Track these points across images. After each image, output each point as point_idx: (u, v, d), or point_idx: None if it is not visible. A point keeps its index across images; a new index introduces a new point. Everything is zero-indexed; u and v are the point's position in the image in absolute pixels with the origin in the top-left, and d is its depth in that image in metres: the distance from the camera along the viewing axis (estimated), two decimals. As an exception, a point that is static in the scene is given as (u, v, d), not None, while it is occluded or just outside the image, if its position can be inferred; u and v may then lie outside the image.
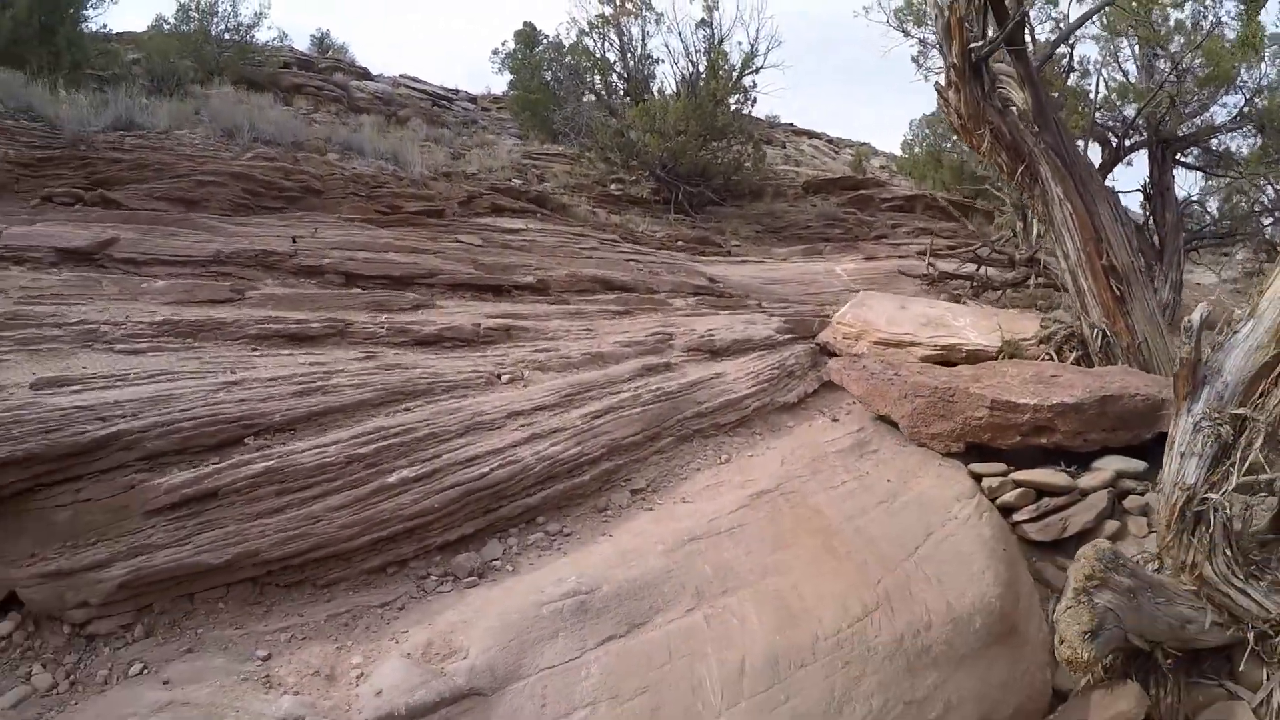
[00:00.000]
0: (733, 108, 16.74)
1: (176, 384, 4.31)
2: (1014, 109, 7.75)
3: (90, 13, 14.28)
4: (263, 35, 18.60)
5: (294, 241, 7.55)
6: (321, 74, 19.61)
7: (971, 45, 7.17)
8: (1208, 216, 13.82)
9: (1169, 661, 4.55)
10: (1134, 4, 10.32)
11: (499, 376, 5.53)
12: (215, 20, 17.28)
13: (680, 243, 13.03)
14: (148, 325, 5.12)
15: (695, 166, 15.58)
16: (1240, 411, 4.38)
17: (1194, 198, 13.60)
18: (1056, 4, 11.62)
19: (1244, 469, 4.35)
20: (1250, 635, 4.50)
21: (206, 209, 8.19)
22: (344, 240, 7.95)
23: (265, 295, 6.23)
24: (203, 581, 3.69)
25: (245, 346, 5.26)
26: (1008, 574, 4.78)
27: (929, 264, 11.47)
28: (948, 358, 7.59)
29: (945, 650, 4.14)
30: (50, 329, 4.80)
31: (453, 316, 6.70)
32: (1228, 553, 4.47)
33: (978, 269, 11.39)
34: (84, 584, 3.43)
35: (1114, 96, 12.45)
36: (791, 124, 28.83)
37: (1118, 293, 7.47)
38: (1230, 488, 4.31)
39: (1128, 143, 12.35)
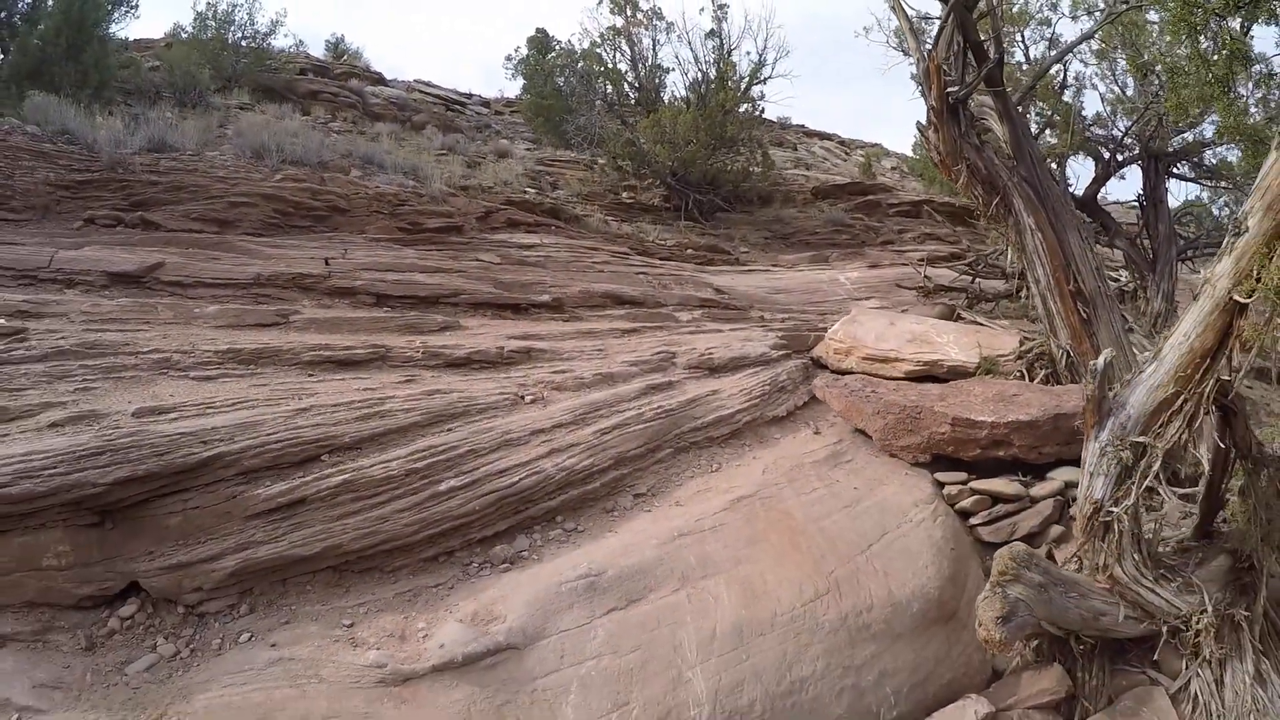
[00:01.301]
0: (742, 117, 17.90)
1: (256, 411, 5.58)
2: (994, 140, 9.04)
3: (114, 27, 15.56)
4: (279, 42, 19.84)
5: (327, 264, 8.89)
6: (337, 80, 20.95)
7: (949, 89, 8.43)
8: (1201, 225, 14.87)
9: (1081, 647, 5.83)
10: (1119, 34, 11.44)
11: (522, 397, 6.87)
12: (232, 28, 18.48)
13: (690, 250, 14.32)
14: (213, 354, 6.41)
15: (705, 175, 16.81)
16: (1141, 439, 5.56)
17: (1187, 209, 14.72)
18: (1051, 24, 12.81)
19: (1143, 487, 5.55)
20: (1164, 629, 5.73)
21: (240, 229, 9.51)
22: (372, 261, 9.25)
23: (307, 319, 7.61)
24: (295, 569, 5.03)
25: (302, 373, 6.58)
26: (951, 569, 6.15)
27: (925, 277, 12.74)
28: (930, 372, 8.88)
29: (884, 628, 5.52)
30: (127, 357, 6.06)
31: (478, 338, 8.05)
32: (1136, 557, 5.68)
33: (972, 281, 12.64)
34: (199, 573, 4.71)
35: (1106, 112, 13.58)
36: (803, 126, 30.08)
37: (1084, 315, 8.74)
38: (1130, 502, 5.50)
39: (1120, 157, 13.52)
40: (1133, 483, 5.52)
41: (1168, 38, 7.97)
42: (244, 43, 18.69)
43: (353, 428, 5.69)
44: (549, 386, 7.20)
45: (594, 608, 5.01)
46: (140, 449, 4.79)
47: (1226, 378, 5.51)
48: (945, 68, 8.51)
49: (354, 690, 4.23)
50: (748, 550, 5.72)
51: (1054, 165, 13.10)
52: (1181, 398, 5.49)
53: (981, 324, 11.13)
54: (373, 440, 5.73)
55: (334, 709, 4.10)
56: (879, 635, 5.48)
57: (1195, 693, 5.66)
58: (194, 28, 18.37)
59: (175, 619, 4.70)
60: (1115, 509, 5.50)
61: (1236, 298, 5.07)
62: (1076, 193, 13.97)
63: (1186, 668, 5.77)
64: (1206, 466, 6.28)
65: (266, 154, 12.01)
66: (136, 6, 16.10)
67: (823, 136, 30.33)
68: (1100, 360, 5.68)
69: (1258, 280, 4.89)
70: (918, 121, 8.85)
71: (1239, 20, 7.00)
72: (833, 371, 9.21)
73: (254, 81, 18.10)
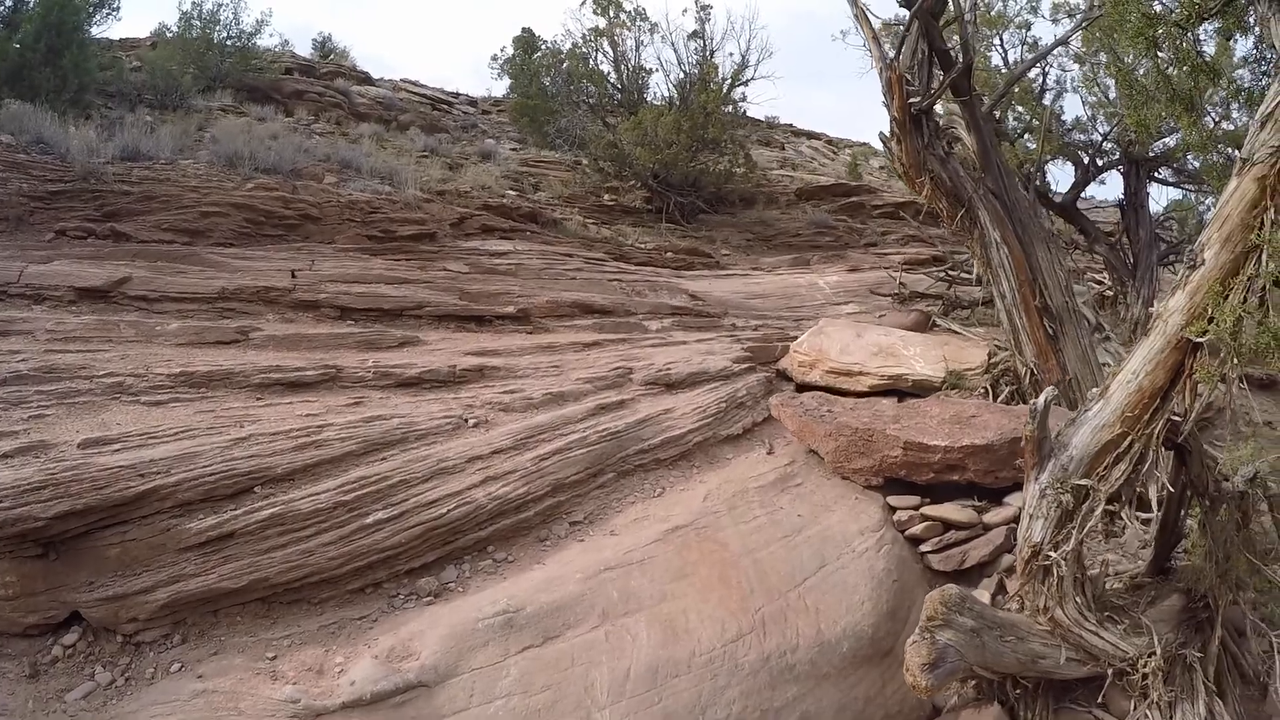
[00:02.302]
0: (725, 118, 17.75)
1: (196, 441, 5.56)
2: (960, 151, 8.87)
3: (94, 30, 15.46)
4: (264, 41, 19.69)
5: (293, 276, 8.84)
6: (323, 79, 20.85)
7: (911, 99, 8.26)
8: (1184, 228, 14.71)
9: (1018, 691, 5.66)
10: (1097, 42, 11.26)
11: (466, 420, 6.78)
12: (217, 28, 18.34)
13: (669, 254, 14.23)
14: (166, 377, 6.42)
15: (686, 177, 16.73)
16: (1083, 482, 5.33)
17: (1171, 213, 14.56)
18: (1029, 28, 12.63)
19: (1084, 533, 5.34)
20: (1109, 671, 5.51)
21: (210, 239, 9.46)
22: (339, 273, 9.20)
23: (267, 336, 7.61)
24: (225, 601, 5.07)
25: (250, 396, 6.56)
26: (891, 604, 6.02)
27: (900, 284, 12.60)
28: (895, 386, 8.77)
29: (809, 669, 5.40)
30: (82, 382, 6.09)
31: (433, 356, 7.98)
32: (1079, 600, 5.48)
33: (949, 287, 12.49)
34: (135, 604, 4.80)
35: (1086, 116, 13.41)
36: (791, 125, 29.96)
37: (1050, 332, 8.59)
38: (1069, 547, 5.27)
39: (1100, 162, 13.35)
40: (1073, 527, 5.31)
41: (1129, 52, 7.79)
42: (229, 42, 18.59)
43: (287, 458, 5.67)
44: (496, 408, 7.12)
45: (509, 645, 4.94)
46: (80, 483, 4.87)
47: (1178, 418, 5.30)
48: (909, 76, 8.35)
49: (269, 724, 4.25)
50: (673, 585, 5.61)
51: (1033, 170, 12.92)
52: (1129, 439, 5.25)
53: (956, 332, 11.01)
54: (306, 471, 5.70)
55: (244, 744, 4.10)
56: (802, 676, 5.36)
57: None
58: (179, 27, 18.27)
59: (114, 648, 4.84)
60: (1054, 554, 5.32)
61: (1189, 337, 4.87)
62: (1057, 197, 13.84)
63: (1134, 709, 5.56)
64: (1156, 506, 6.10)
65: (240, 162, 11.92)
66: (118, 8, 16.05)
67: (811, 136, 30.19)
68: (1040, 400, 5.43)
69: (1210, 320, 4.68)
70: (880, 132, 8.72)
71: (1215, 33, 6.83)
72: (797, 385, 9.11)
73: (239, 82, 18.04)
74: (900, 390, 8.75)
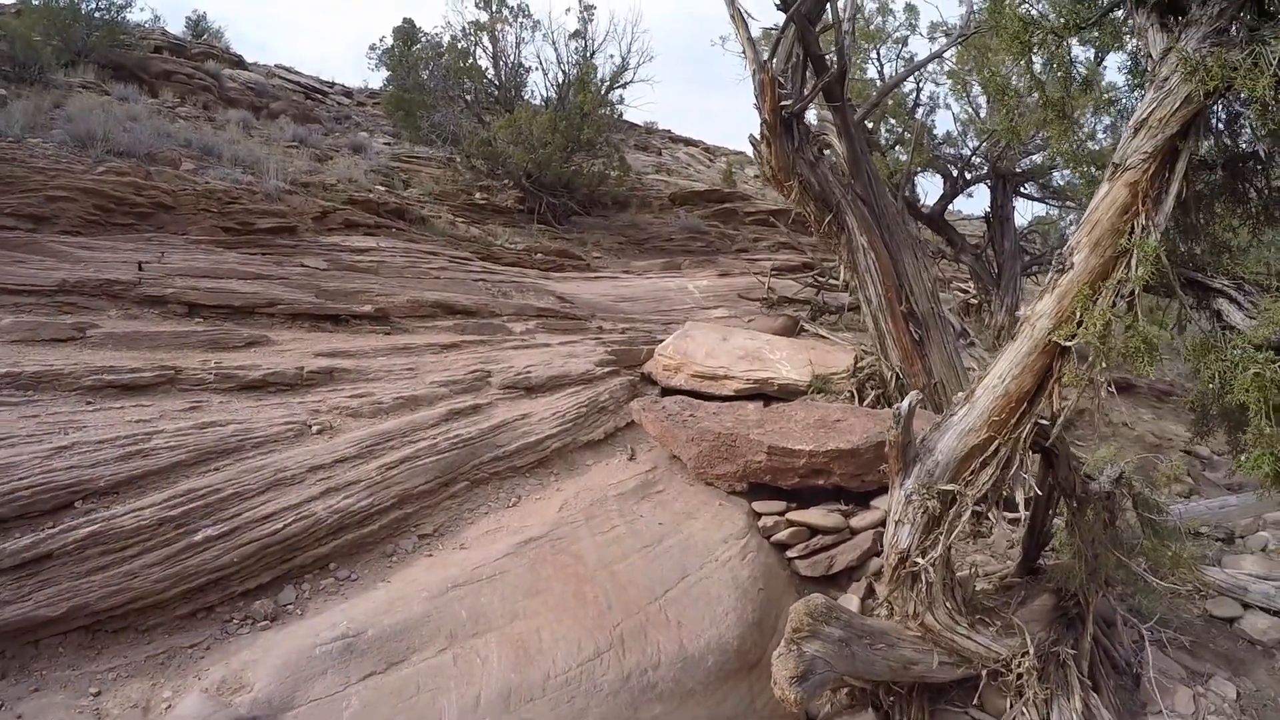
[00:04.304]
0: (601, 120, 17.56)
1: (15, 450, 4.91)
2: (831, 157, 8.71)
3: None
4: (135, 16, 18.66)
5: (140, 269, 8.11)
6: (193, 60, 19.78)
7: (783, 103, 8.05)
8: (1046, 241, 15.12)
9: (890, 698, 5.52)
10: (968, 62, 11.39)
11: (310, 426, 6.23)
12: None
13: (540, 255, 13.81)
14: None
15: (560, 178, 16.39)
16: (949, 487, 5.16)
17: (1034, 227, 14.92)
18: (906, 43, 12.72)
19: (952, 538, 5.16)
20: (983, 673, 5.42)
21: (56, 226, 8.66)
22: (189, 266, 8.51)
23: (105, 334, 6.88)
24: (44, 630, 4.38)
25: (80, 400, 5.87)
26: (758, 614, 5.73)
27: (769, 289, 12.48)
28: (761, 390, 8.55)
29: (672, 687, 5.04)
30: None
31: (281, 357, 7.38)
32: (949, 604, 5.34)
33: (817, 293, 12.43)
34: None
35: (957, 131, 13.61)
36: (669, 131, 30.07)
37: (916, 337, 8.51)
38: (937, 553, 5.12)
39: (969, 175, 13.55)
40: (940, 532, 5.14)
41: (1004, 58, 7.73)
42: (97, 14, 17.43)
43: (111, 469, 5.06)
44: (343, 413, 6.59)
45: (349, 673, 4.42)
46: None
47: (1045, 421, 5.21)
48: (782, 80, 8.14)
49: (86, 774, 3.63)
50: (526, 603, 5.18)
51: (903, 181, 13.02)
52: (996, 443, 5.10)
53: (823, 336, 10.93)
54: (131, 483, 5.09)
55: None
56: (666, 695, 4.99)
57: None
58: None
59: None
60: (921, 560, 5.14)
61: (1057, 340, 4.75)
62: (926, 208, 14.01)
63: (1011, 707, 5.49)
64: (1022, 508, 6.00)
65: (92, 143, 10.95)
66: None
67: (688, 142, 30.31)
68: (904, 404, 5.24)
69: (1079, 324, 4.57)
70: (750, 135, 8.48)
71: (1093, 49, 6.79)
72: (662, 389, 8.82)
73: (104, 58, 16.93)
74: (766, 394, 8.55)
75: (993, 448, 5.10)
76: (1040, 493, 5.73)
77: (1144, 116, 4.52)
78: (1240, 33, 4.25)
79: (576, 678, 4.79)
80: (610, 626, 5.15)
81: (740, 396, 8.42)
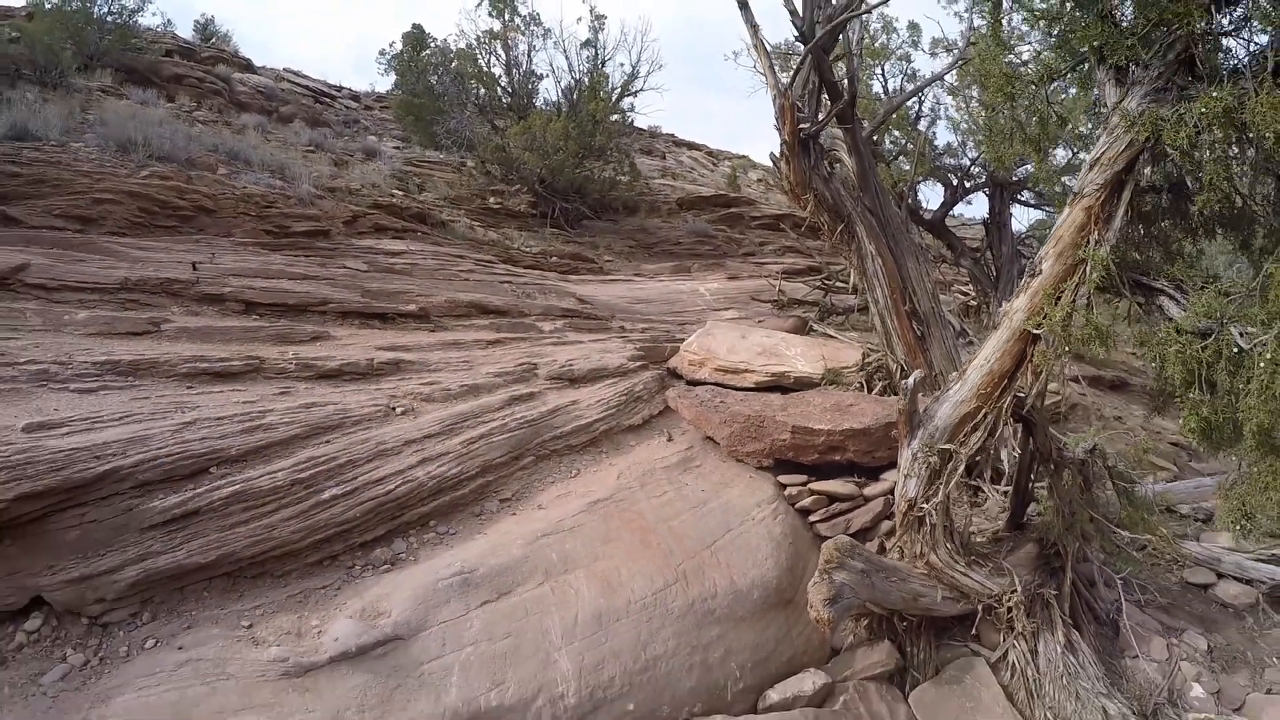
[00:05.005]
0: (612, 127, 19.00)
1: (143, 425, 6.14)
2: (842, 169, 10.25)
3: None
4: (146, 20, 19.80)
5: (194, 269, 9.42)
6: (204, 64, 21.09)
7: (801, 126, 9.57)
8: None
9: (905, 624, 7.08)
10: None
11: (393, 409, 7.68)
12: (98, 2, 18.36)
13: (555, 258, 15.27)
14: (91, 365, 6.91)
15: (572, 183, 17.84)
16: (947, 447, 6.83)
17: (1032, 232, 16.45)
18: (910, 59, 14.28)
19: (950, 487, 6.80)
20: (979, 607, 6.98)
21: (104, 227, 9.93)
22: (240, 266, 9.86)
23: (179, 328, 8.16)
24: (192, 577, 5.67)
25: (180, 385, 7.15)
26: (789, 561, 7.29)
27: (779, 291, 14.01)
28: (778, 383, 10.02)
29: (727, 613, 6.62)
30: (4, 368, 6.47)
31: (348, 349, 8.80)
32: (948, 546, 6.95)
33: (825, 295, 13.97)
34: (102, 584, 5.21)
35: (957, 142, 15.16)
36: (673, 135, 31.66)
37: (918, 333, 10.05)
38: (939, 500, 6.74)
39: (968, 184, 15.10)
40: (940, 483, 6.78)
41: (991, 100, 9.38)
42: (110, 18, 18.63)
43: (238, 440, 6.37)
44: (418, 398, 8.03)
45: (469, 601, 5.90)
46: (36, 465, 5.23)
47: (1023, 394, 6.80)
48: (799, 105, 9.64)
49: (261, 684, 4.97)
50: (603, 548, 6.74)
51: (906, 189, 14.49)
52: (983, 411, 6.78)
53: (832, 336, 12.44)
54: (257, 452, 6.41)
55: (244, 702, 4.83)
56: (723, 619, 6.57)
57: (1012, 661, 6.99)
58: None
59: (80, 630, 5.19)
60: (926, 505, 6.75)
61: (1030, 329, 6.38)
62: (928, 215, 15.51)
63: (1004, 640, 7.10)
64: (1007, 468, 7.57)
65: (132, 148, 12.18)
66: None
67: (692, 146, 31.88)
68: (910, 380, 6.92)
69: (1045, 316, 6.21)
70: (771, 153, 9.94)
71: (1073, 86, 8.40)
72: (687, 382, 10.28)
73: (117, 61, 18.14)
74: (783, 386, 9.99)
75: (980, 415, 6.78)
76: (1020, 452, 7.32)
77: (1098, 156, 6.17)
78: (1173, 92, 5.81)
79: (652, 603, 6.36)
80: (674, 566, 6.74)
81: (759, 389, 9.86)
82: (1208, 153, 5.45)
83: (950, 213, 15.92)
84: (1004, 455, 8.68)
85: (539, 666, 5.65)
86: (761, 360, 10.25)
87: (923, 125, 15.35)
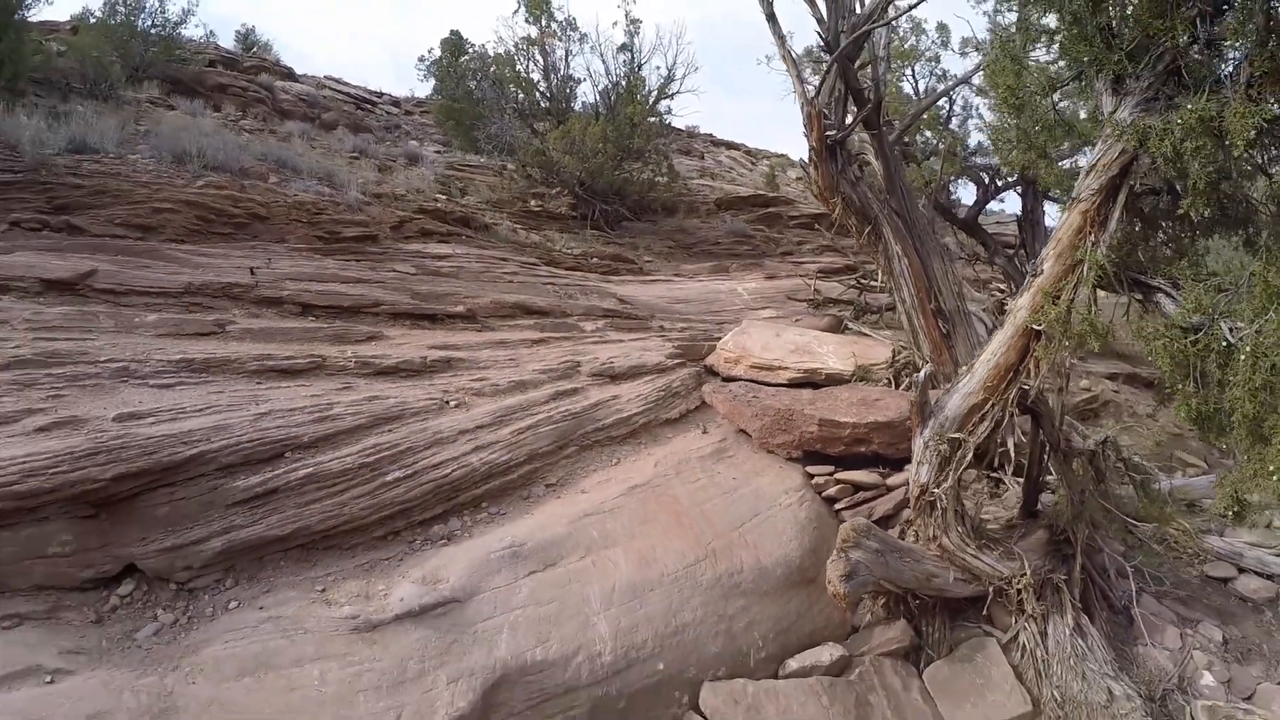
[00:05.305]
0: (650, 129, 19.81)
1: (223, 415, 7.09)
2: (870, 172, 10.97)
3: (29, 15, 15.81)
4: (189, 31, 20.76)
5: (252, 273, 10.29)
6: (247, 73, 22.17)
7: (828, 133, 10.31)
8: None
9: (918, 602, 7.79)
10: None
11: (447, 403, 8.55)
12: (142, 15, 19.33)
13: (595, 260, 16.10)
14: (168, 363, 7.79)
15: (611, 185, 18.67)
16: (956, 436, 7.56)
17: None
18: (939, 60, 14.97)
19: (959, 474, 7.53)
20: (990, 589, 7.69)
21: (163, 235, 10.74)
22: (296, 271, 10.75)
23: (243, 329, 9.03)
24: (270, 548, 6.60)
25: (250, 380, 8.04)
26: (813, 544, 8.07)
27: (814, 290, 14.76)
28: (810, 379, 10.76)
29: (752, 588, 7.44)
30: (87, 366, 7.33)
31: (402, 348, 9.67)
32: (959, 529, 7.65)
33: (859, 294, 14.69)
34: (190, 554, 6.17)
35: (988, 142, 15.75)
36: (711, 135, 32.47)
37: (944, 331, 10.73)
38: (949, 485, 7.46)
39: (1000, 182, 15.72)
40: (950, 469, 7.50)
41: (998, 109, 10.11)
42: (153, 31, 19.53)
43: (310, 429, 7.31)
44: (469, 393, 8.90)
45: (518, 571, 6.77)
46: (130, 449, 6.19)
47: (1027, 387, 7.47)
48: (825, 112, 10.37)
49: (335, 637, 5.87)
50: (640, 528, 7.59)
51: (938, 188, 15.15)
52: (990, 403, 7.49)
53: (866, 334, 13.15)
54: (327, 439, 7.34)
55: (320, 652, 5.72)
56: (748, 593, 7.38)
57: (1023, 642, 7.65)
58: (103, 12, 19.09)
59: (169, 594, 6.08)
60: (937, 490, 7.48)
61: (1033, 325, 7.05)
62: (961, 213, 16.15)
63: (1015, 622, 7.77)
64: (1012, 456, 8.23)
65: (188, 159, 12.97)
66: None
67: (730, 146, 32.69)
68: (920, 374, 7.71)
69: (1044, 313, 6.88)
70: (800, 159, 10.68)
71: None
72: (723, 378, 11.05)
73: (162, 73, 19.03)
74: (815, 383, 10.69)
75: (988, 406, 7.47)
76: (1024, 441, 8.01)
77: (1094, 162, 6.82)
78: (1161, 101, 6.43)
79: (683, 576, 7.20)
80: (705, 544, 7.57)
81: (792, 385, 10.58)
82: (1193, 160, 5.89)
83: (984, 210, 16.51)
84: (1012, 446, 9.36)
85: (579, 628, 6.49)
86: (794, 358, 10.98)
87: (954, 125, 16.04)
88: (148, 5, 19.54)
